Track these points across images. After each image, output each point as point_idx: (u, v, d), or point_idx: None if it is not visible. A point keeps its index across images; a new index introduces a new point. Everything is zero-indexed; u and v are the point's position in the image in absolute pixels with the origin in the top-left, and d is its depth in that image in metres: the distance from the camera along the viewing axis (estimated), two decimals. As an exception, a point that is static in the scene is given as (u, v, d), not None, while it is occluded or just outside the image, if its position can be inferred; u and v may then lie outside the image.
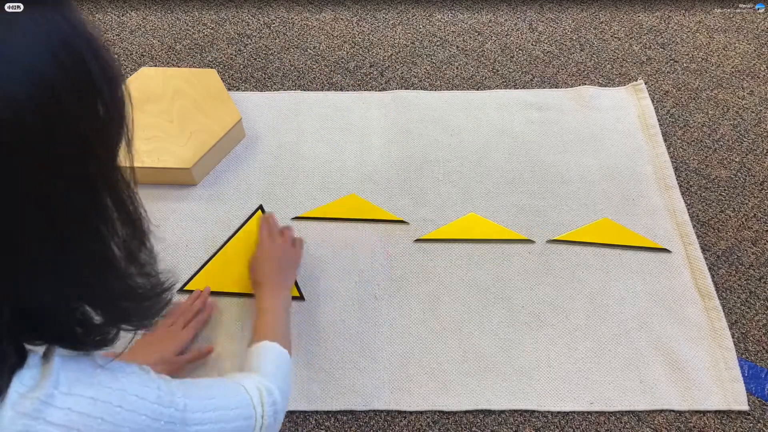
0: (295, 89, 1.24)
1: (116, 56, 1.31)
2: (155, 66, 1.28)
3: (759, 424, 0.86)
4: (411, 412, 0.87)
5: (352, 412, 0.88)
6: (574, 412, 0.87)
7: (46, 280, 0.40)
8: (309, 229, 1.04)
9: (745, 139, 1.17)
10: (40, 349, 0.45)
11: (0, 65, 0.33)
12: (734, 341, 0.93)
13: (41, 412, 0.41)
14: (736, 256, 1.02)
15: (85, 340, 0.46)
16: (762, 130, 1.18)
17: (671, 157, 1.13)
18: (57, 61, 0.35)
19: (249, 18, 1.38)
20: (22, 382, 0.41)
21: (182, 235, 1.03)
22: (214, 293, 0.96)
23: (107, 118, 0.40)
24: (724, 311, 0.95)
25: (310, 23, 1.37)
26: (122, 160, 0.43)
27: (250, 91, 1.24)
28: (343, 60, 1.30)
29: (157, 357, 0.82)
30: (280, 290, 0.89)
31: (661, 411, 0.88)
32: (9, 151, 0.34)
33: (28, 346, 0.44)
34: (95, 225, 0.41)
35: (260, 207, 1.06)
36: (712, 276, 0.99)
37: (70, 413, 0.42)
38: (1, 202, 0.35)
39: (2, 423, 0.39)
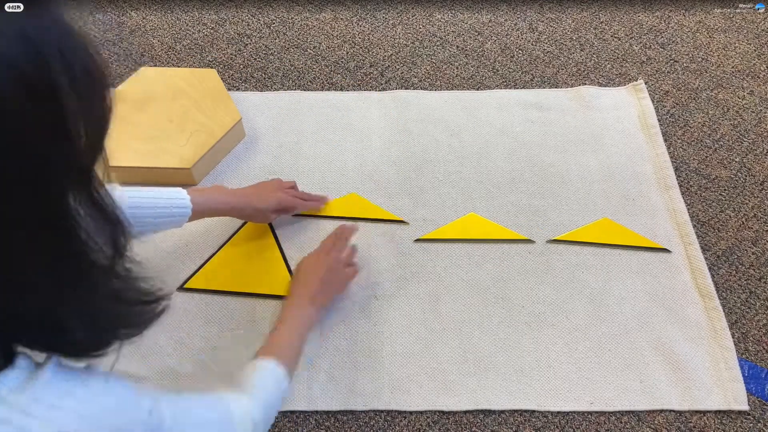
0: (295, 89, 1.24)
1: (108, 63, 1.31)
2: (155, 66, 1.28)
3: (759, 424, 0.86)
4: (411, 412, 0.87)
5: (352, 412, 0.88)
6: (574, 412, 0.87)
7: (28, 289, 0.40)
8: (309, 229, 1.04)
9: (745, 139, 1.17)
10: (41, 356, 0.44)
11: None
12: (734, 341, 0.93)
13: (21, 421, 0.40)
14: (736, 256, 1.02)
15: (77, 349, 0.45)
16: (762, 130, 1.18)
17: (671, 157, 1.13)
18: (18, 71, 0.34)
19: (249, 18, 1.38)
20: (4, 383, 0.40)
21: (182, 235, 1.02)
22: (212, 292, 0.97)
23: (83, 129, 0.38)
24: (724, 311, 0.95)
25: (310, 23, 1.37)
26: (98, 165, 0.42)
27: (250, 91, 1.24)
28: (343, 60, 1.30)
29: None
30: (310, 306, 0.85)
31: (661, 411, 0.88)
32: None
33: (28, 351, 0.43)
34: (71, 227, 0.40)
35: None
36: (712, 276, 0.99)
37: (50, 426, 0.41)
38: None
39: None
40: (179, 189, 0.85)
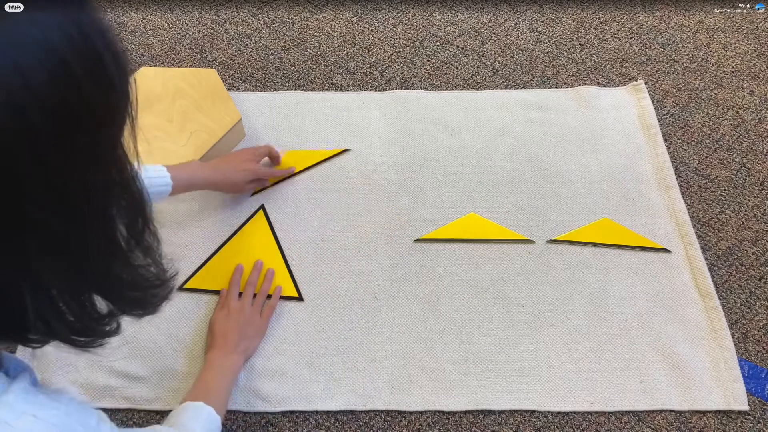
0: (295, 89, 1.24)
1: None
2: (155, 66, 1.28)
3: (759, 424, 0.86)
4: (411, 412, 0.88)
5: (352, 412, 0.88)
6: (574, 412, 0.87)
7: (57, 265, 0.40)
8: (309, 229, 1.04)
9: (745, 139, 1.17)
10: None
11: (19, 50, 0.33)
12: (734, 341, 0.93)
13: None
14: (736, 256, 1.02)
15: (85, 331, 0.45)
16: (762, 130, 1.18)
17: (671, 157, 1.13)
18: (72, 46, 0.35)
19: (249, 18, 1.38)
20: None
21: (182, 235, 1.03)
22: (212, 292, 0.97)
23: (116, 98, 0.40)
24: (724, 311, 0.95)
25: (310, 23, 1.37)
26: (126, 139, 0.43)
27: (250, 91, 1.24)
28: (343, 60, 1.30)
29: None
30: (234, 353, 0.85)
31: (661, 411, 0.88)
32: (28, 132, 0.34)
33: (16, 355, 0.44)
34: (103, 204, 0.41)
35: (261, 207, 1.06)
36: (712, 276, 0.99)
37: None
38: (12, 185, 0.35)
39: None
40: (159, 166, 0.88)
